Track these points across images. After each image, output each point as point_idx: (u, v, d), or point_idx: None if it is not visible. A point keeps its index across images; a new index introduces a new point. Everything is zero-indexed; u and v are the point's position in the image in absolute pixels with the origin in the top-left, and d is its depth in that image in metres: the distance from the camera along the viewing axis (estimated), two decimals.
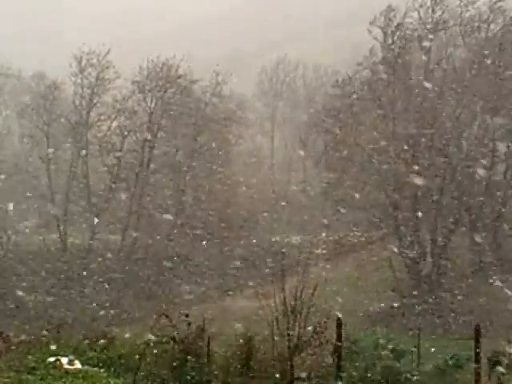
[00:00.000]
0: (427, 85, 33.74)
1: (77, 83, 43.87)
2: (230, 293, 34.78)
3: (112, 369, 15.92)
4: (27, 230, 41.87)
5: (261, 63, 67.86)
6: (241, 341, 15.93)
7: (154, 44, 66.99)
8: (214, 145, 43.11)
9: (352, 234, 39.61)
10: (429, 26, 36.61)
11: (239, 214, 41.85)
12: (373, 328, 23.97)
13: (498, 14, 36.56)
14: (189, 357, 15.16)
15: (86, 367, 15.91)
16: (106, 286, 35.28)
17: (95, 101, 43.62)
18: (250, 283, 32.23)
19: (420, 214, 33.16)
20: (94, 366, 16.18)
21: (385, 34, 37.27)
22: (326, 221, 35.71)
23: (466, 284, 31.43)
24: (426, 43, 36.02)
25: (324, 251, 36.03)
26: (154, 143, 42.13)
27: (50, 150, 41.85)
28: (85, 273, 36.29)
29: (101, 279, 35.79)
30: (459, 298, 29.79)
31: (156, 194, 42.02)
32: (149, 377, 15.03)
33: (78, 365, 16.06)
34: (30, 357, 16.23)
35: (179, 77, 42.88)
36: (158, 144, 42.65)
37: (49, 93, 45.15)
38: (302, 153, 53.05)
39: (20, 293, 32.25)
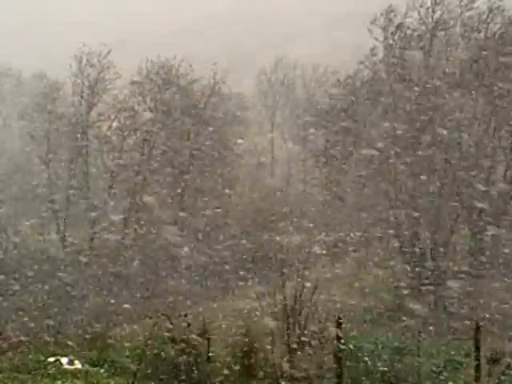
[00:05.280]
0: (427, 85, 33.76)
1: (77, 83, 43.90)
2: (230, 293, 34.78)
3: (112, 369, 15.93)
4: (27, 230, 41.86)
5: (260, 63, 67.93)
6: (241, 341, 15.94)
7: (154, 44, 66.99)
8: (213, 145, 43.12)
9: (352, 234, 39.54)
10: (429, 26, 36.66)
11: (239, 213, 41.85)
12: (373, 328, 23.99)
13: (497, 13, 36.63)
14: (189, 357, 15.16)
15: (86, 367, 15.93)
16: (106, 286, 35.26)
17: (95, 101, 43.64)
18: (250, 283, 32.26)
19: (420, 213, 33.15)
20: (94, 366, 16.20)
21: (385, 34, 37.32)
22: (326, 220, 35.71)
23: (467, 283, 31.41)
24: (426, 43, 36.08)
25: (324, 251, 36.00)
26: (154, 143, 42.14)
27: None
28: (84, 273, 36.26)
29: (100, 279, 35.79)
30: (459, 297, 29.77)
31: (156, 194, 42.01)
32: (148, 377, 15.04)
33: (78, 365, 16.09)
34: (30, 357, 16.25)
35: (179, 77, 42.91)
36: (157, 144, 42.65)
37: (49, 93, 45.18)
38: (301, 152, 53.06)
39: (20, 293, 32.22)
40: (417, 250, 33.78)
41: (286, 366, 14.74)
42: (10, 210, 41.96)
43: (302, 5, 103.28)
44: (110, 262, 37.64)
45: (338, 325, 14.64)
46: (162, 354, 15.51)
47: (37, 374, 15.01)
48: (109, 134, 43.51)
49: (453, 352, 17.05)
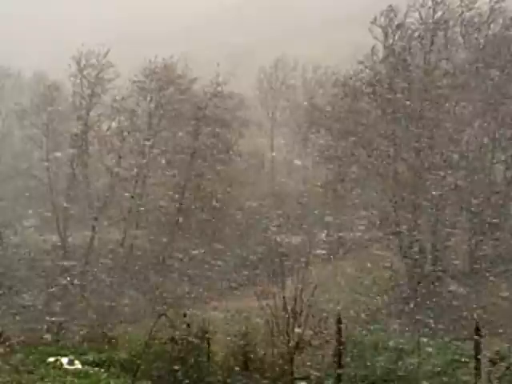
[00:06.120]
0: (427, 85, 33.78)
1: (76, 83, 43.87)
2: (230, 293, 34.76)
3: (112, 369, 15.92)
4: (27, 230, 41.86)
5: (260, 63, 67.91)
6: (241, 341, 15.93)
7: (154, 44, 67.00)
8: (213, 145, 43.07)
9: (352, 234, 39.56)
10: (430, 26, 36.62)
11: (239, 213, 41.81)
12: (373, 327, 23.95)
13: (499, 14, 36.62)
14: (189, 357, 15.15)
15: (86, 367, 15.93)
16: (106, 286, 35.25)
17: (95, 101, 43.60)
18: (250, 283, 32.24)
19: (420, 213, 33.16)
20: (94, 366, 16.20)
21: (385, 33, 37.30)
22: (326, 220, 35.70)
23: (466, 283, 31.44)
24: (426, 43, 36.06)
25: (324, 251, 36.00)
26: (153, 143, 42.09)
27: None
28: (85, 273, 36.27)
29: (101, 279, 35.77)
30: (459, 297, 29.77)
31: (156, 194, 41.99)
32: (148, 377, 15.02)
33: (78, 365, 16.09)
34: (30, 357, 16.25)
35: (179, 76, 42.87)
36: (157, 144, 42.60)
37: (48, 93, 45.11)
38: (301, 152, 53.06)
39: (20, 293, 32.22)
40: (417, 250, 33.80)
41: (286, 366, 14.74)
42: (10, 210, 41.96)
43: (302, 4, 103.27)
44: (109, 262, 37.61)
45: (338, 324, 14.64)
46: (162, 354, 15.50)
47: (37, 374, 15.01)
48: (108, 133, 43.48)
49: (453, 352, 17.01)
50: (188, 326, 15.57)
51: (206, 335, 15.91)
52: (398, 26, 36.73)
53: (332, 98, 41.47)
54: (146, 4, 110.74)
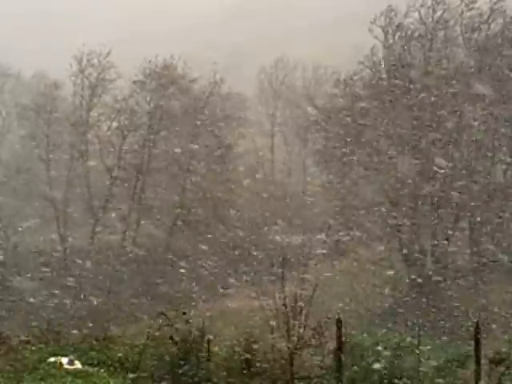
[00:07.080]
0: (427, 85, 33.78)
1: (77, 83, 43.94)
2: (231, 292, 34.71)
3: (112, 369, 15.91)
4: (27, 230, 41.86)
5: (261, 63, 67.86)
6: (241, 341, 15.92)
7: (154, 44, 66.95)
8: (213, 144, 43.11)
9: (352, 234, 39.51)
10: (429, 26, 36.62)
11: (239, 213, 41.81)
12: (373, 327, 23.94)
13: (499, 13, 36.61)
14: (189, 357, 15.14)
15: (86, 367, 15.92)
16: (106, 286, 35.28)
17: (95, 101, 43.65)
18: (250, 283, 32.21)
19: (420, 213, 33.15)
20: (94, 366, 16.18)
21: (385, 33, 37.31)
22: (326, 221, 35.68)
23: (466, 284, 31.42)
24: (426, 43, 36.07)
25: (324, 251, 36.00)
26: (153, 143, 42.14)
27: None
28: (85, 272, 36.28)
29: (101, 279, 35.79)
30: (459, 297, 29.76)
31: (156, 194, 42.02)
32: (148, 377, 15.02)
33: (78, 365, 16.08)
34: (30, 357, 16.23)
35: (180, 77, 42.92)
36: (157, 144, 42.65)
37: (49, 93, 45.15)
38: (302, 152, 53.06)
39: (20, 293, 32.23)
40: (417, 249, 33.80)
41: (285, 366, 14.73)
42: (10, 210, 41.95)
43: (302, 4, 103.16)
44: (110, 262, 37.63)
45: (338, 324, 14.64)
46: (162, 353, 15.50)
47: (37, 373, 15.01)
48: (109, 133, 43.53)
49: (453, 352, 17.00)
50: (187, 325, 15.57)
51: (206, 335, 15.91)
52: (398, 26, 36.74)
53: (332, 97, 41.50)
54: (146, 4, 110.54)
